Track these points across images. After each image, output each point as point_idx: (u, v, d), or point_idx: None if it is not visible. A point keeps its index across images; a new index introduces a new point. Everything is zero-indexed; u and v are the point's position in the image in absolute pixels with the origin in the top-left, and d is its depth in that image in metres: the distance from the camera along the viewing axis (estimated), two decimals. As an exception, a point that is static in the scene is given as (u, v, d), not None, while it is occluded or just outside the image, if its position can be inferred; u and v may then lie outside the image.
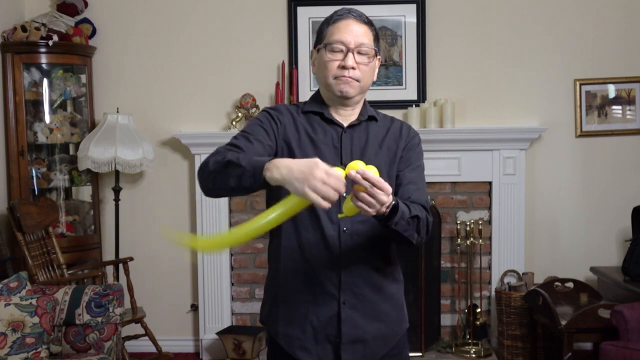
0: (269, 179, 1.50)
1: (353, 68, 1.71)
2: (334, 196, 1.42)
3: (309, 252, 1.71)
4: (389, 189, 1.48)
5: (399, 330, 1.82)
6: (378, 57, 1.78)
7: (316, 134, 1.75)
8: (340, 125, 1.78)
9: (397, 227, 1.59)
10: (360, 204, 1.48)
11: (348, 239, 1.70)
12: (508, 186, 4.08)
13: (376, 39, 1.77)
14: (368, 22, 1.75)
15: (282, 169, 1.48)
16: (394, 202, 1.54)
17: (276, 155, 1.74)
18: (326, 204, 1.42)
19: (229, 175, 1.56)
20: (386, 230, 1.61)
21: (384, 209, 1.51)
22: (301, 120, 1.78)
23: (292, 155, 1.72)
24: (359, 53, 1.71)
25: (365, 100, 1.83)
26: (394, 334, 1.80)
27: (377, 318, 1.75)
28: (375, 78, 1.81)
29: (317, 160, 1.45)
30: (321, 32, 1.77)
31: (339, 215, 1.59)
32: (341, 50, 1.71)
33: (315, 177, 1.41)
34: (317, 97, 1.82)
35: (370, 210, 1.48)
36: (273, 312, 1.79)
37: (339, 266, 1.70)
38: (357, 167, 1.47)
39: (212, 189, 1.65)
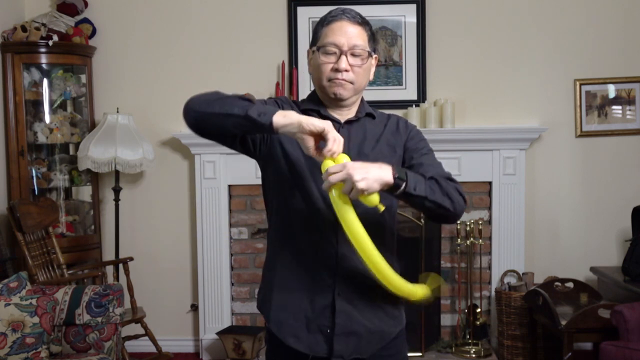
0: (277, 122, 1.52)
1: (346, 70, 1.71)
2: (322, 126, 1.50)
3: (306, 243, 1.71)
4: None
5: (395, 325, 1.81)
6: (375, 56, 1.78)
7: None
8: (338, 122, 1.78)
9: (419, 192, 1.58)
10: (350, 185, 1.48)
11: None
12: (508, 186, 4.08)
13: (371, 39, 1.76)
14: (362, 23, 1.74)
15: (293, 115, 1.54)
16: (397, 168, 1.56)
17: (269, 149, 1.75)
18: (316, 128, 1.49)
19: (235, 105, 1.56)
20: (413, 201, 1.61)
21: (388, 175, 1.53)
22: None
23: (283, 150, 1.72)
24: (353, 55, 1.71)
25: (362, 99, 1.83)
26: (390, 330, 1.79)
27: (372, 312, 1.75)
28: (371, 77, 1.80)
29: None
30: (316, 33, 1.77)
31: (380, 210, 1.56)
32: (334, 53, 1.71)
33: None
34: (314, 96, 1.83)
35: (362, 183, 1.48)
36: (267, 298, 1.79)
37: (335, 257, 1.70)
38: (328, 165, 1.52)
39: (204, 116, 1.60)
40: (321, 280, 1.71)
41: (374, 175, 1.51)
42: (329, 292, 1.71)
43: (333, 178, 1.49)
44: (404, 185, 1.56)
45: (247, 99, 1.58)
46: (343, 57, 1.70)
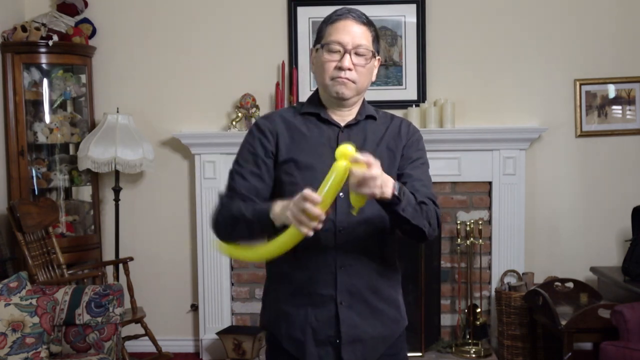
0: (275, 221, 1.59)
1: (349, 69, 1.70)
2: (304, 218, 1.47)
3: (305, 254, 1.71)
4: (376, 161, 1.49)
5: (397, 329, 1.81)
6: (377, 57, 1.78)
7: (312, 135, 1.76)
8: (337, 125, 1.78)
9: (405, 214, 1.59)
10: (360, 188, 1.48)
11: (343, 239, 1.70)
12: (508, 186, 4.08)
13: (375, 40, 1.76)
14: (367, 23, 1.74)
15: (277, 206, 1.59)
16: (398, 185, 1.56)
17: (276, 163, 1.75)
18: (304, 229, 1.49)
19: (240, 231, 1.67)
20: (396, 219, 1.61)
21: (389, 191, 1.52)
22: (297, 123, 1.78)
23: (290, 159, 1.73)
24: (357, 54, 1.71)
25: (364, 100, 1.83)
26: (392, 333, 1.80)
27: (374, 317, 1.75)
28: (374, 78, 1.80)
29: (306, 190, 1.49)
30: (320, 32, 1.77)
31: (353, 213, 1.57)
32: (338, 51, 1.71)
33: (293, 203, 1.51)
34: (314, 99, 1.82)
35: (373, 189, 1.47)
36: (274, 316, 1.80)
37: (334, 267, 1.70)
38: (347, 152, 1.49)
39: (233, 242, 1.72)
40: (324, 293, 1.71)
41: (388, 183, 1.52)
42: (331, 303, 1.72)
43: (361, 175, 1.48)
44: (397, 205, 1.57)
45: (244, 218, 1.65)
46: (347, 56, 1.70)
